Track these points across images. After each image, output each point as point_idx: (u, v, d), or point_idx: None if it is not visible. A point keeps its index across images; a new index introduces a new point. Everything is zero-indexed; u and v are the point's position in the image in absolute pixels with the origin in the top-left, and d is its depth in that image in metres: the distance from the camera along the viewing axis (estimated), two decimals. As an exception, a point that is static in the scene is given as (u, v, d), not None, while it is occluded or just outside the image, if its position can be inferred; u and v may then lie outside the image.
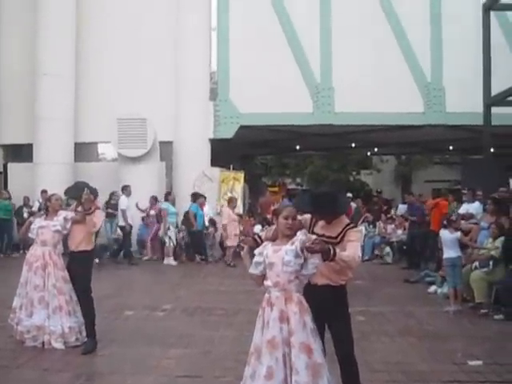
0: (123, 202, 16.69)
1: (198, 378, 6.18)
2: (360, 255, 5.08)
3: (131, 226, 16.92)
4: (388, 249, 17.23)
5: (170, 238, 16.63)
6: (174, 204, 17.12)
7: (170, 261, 16.34)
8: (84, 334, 7.62)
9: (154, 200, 17.51)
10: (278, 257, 4.88)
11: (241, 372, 5.36)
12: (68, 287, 7.71)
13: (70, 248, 7.83)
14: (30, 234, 7.98)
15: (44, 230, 7.81)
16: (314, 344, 4.80)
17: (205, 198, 17.66)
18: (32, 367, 6.65)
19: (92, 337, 7.47)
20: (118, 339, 7.87)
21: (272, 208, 14.03)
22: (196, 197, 17.39)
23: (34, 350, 7.31)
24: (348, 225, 5.22)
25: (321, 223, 5.25)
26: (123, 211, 16.59)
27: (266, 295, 4.93)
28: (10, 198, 18.27)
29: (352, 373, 5.11)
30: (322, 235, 5.10)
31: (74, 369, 6.62)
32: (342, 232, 5.14)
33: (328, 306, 5.12)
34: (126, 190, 16.85)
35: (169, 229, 16.70)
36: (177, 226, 17.28)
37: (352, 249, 4.99)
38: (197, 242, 17.11)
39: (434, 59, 19.38)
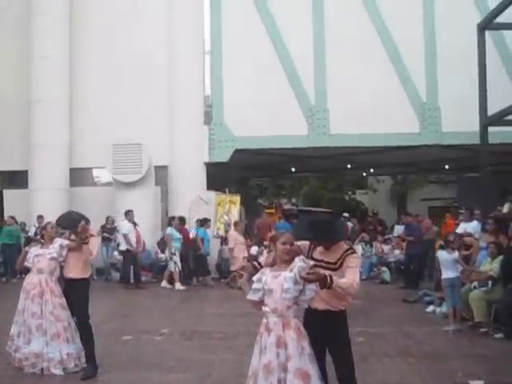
0: (125, 226, 16.63)
1: (198, 403, 6.15)
2: (358, 282, 5.07)
3: (136, 251, 16.80)
4: (385, 268, 17.19)
5: (175, 263, 16.54)
6: (178, 229, 17.10)
7: (178, 286, 16.21)
8: (83, 359, 7.59)
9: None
10: (277, 283, 4.90)
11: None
12: (66, 314, 7.69)
13: (67, 276, 7.82)
14: (26, 263, 7.98)
15: (40, 257, 7.81)
16: (312, 370, 4.82)
17: (203, 221, 17.77)
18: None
19: (92, 362, 7.43)
20: (117, 364, 7.83)
21: (269, 232, 14.02)
22: (204, 222, 17.65)
23: (33, 376, 7.27)
24: (347, 250, 5.23)
25: (319, 249, 5.27)
26: (125, 235, 16.52)
27: (264, 320, 4.96)
28: (16, 223, 18.32)
29: None
30: (321, 261, 5.13)
31: (73, 395, 6.58)
32: (340, 258, 5.15)
33: (328, 331, 5.12)
34: (128, 214, 16.77)
35: (174, 254, 16.60)
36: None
37: (351, 275, 5.00)
38: (202, 266, 17.17)
39: (429, 79, 19.48)
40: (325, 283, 4.73)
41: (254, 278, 5.08)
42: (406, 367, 7.65)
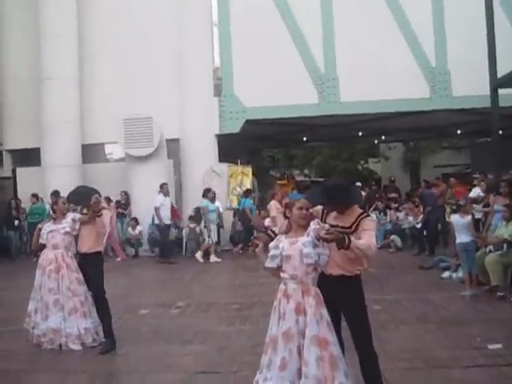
0: (158, 199, 16.42)
1: (216, 374, 6.13)
2: (375, 244, 4.99)
3: (167, 225, 16.76)
4: (394, 236, 17.09)
5: (209, 235, 16.54)
6: (213, 201, 17.07)
7: (213, 258, 16.13)
8: (101, 334, 7.61)
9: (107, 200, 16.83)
10: (295, 249, 4.86)
11: (258, 365, 5.32)
12: (82, 289, 7.69)
13: (81, 250, 7.81)
14: (40, 240, 7.96)
15: (54, 233, 7.80)
16: (331, 337, 4.80)
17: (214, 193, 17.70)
18: (50, 370, 6.63)
19: (110, 337, 7.43)
20: (134, 338, 7.83)
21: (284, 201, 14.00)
22: (248, 193, 18.17)
23: (52, 352, 7.29)
24: (361, 214, 5.12)
25: (333, 214, 5.16)
26: (156, 209, 16.34)
27: (282, 286, 4.92)
28: (38, 200, 18.27)
29: (371, 363, 5.02)
30: (336, 226, 5.02)
31: (91, 369, 6.60)
32: (355, 222, 5.04)
33: (343, 297, 5.03)
34: (163, 188, 16.64)
35: (205, 227, 16.63)
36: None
37: (367, 237, 4.90)
38: (250, 236, 17.09)
39: (438, 43, 19.22)
40: (343, 243, 4.66)
41: (271, 246, 5.03)
42: (425, 333, 7.60)
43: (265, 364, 4.91)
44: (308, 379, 4.66)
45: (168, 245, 16.74)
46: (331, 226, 5.01)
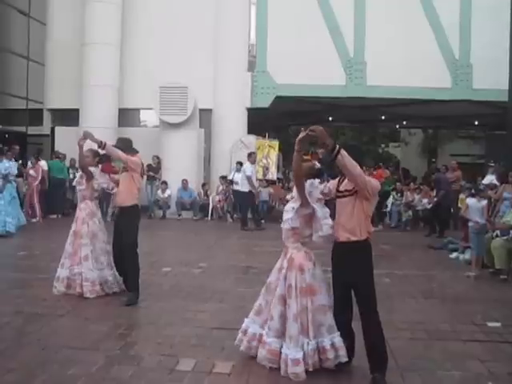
0: (249, 168, 16.19)
1: (232, 330, 6.17)
2: (366, 179, 4.84)
3: (256, 193, 16.72)
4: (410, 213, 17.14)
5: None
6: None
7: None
8: (122, 285, 7.78)
9: (36, 159, 16.69)
10: (285, 212, 5.21)
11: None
12: (106, 239, 7.85)
13: (117, 204, 7.87)
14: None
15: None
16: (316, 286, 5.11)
17: (241, 163, 17.71)
18: (74, 316, 6.71)
19: (135, 290, 7.44)
20: (156, 293, 7.91)
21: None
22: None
23: (77, 300, 7.38)
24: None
25: (345, 181, 5.03)
26: (249, 178, 16.05)
27: None
28: (58, 158, 18.17)
29: (375, 330, 4.96)
30: (343, 191, 5.01)
31: (113, 319, 6.66)
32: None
33: (351, 262, 4.96)
34: (250, 157, 16.50)
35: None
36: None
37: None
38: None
39: (463, 37, 19.30)
40: (332, 146, 4.58)
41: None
42: (429, 307, 7.60)
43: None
44: (270, 331, 5.13)
45: (258, 211, 16.64)
46: (340, 192, 5.04)
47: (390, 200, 17.42)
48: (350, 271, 4.97)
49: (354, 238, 4.94)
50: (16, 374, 4.89)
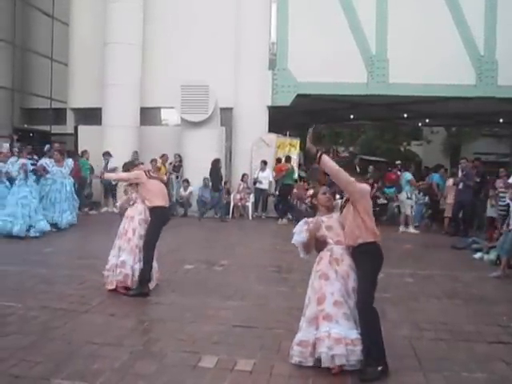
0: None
1: (253, 328, 6.21)
2: (350, 181, 5.09)
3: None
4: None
5: (411, 206, 16.36)
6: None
7: (410, 229, 16.02)
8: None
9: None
10: (334, 221, 5.40)
11: (292, 325, 5.44)
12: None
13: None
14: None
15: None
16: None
17: (265, 162, 17.81)
18: (99, 312, 6.78)
19: (142, 283, 7.65)
20: (178, 290, 7.96)
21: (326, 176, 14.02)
22: (438, 168, 18.33)
23: (101, 296, 7.46)
24: None
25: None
26: None
27: (327, 252, 5.32)
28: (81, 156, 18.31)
29: (367, 322, 5.02)
30: (345, 201, 5.34)
31: (137, 315, 6.73)
32: None
33: (355, 260, 5.19)
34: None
35: (409, 198, 16.37)
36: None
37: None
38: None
39: (488, 33, 18.85)
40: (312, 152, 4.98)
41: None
42: (452, 308, 7.56)
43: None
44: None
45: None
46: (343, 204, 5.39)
47: (413, 200, 17.27)
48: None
49: (359, 241, 5.12)
50: (43, 366, 4.98)
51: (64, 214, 13.81)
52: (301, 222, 5.43)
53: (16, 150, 15.22)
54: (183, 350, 5.51)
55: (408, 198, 16.31)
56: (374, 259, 5.17)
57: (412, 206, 16.46)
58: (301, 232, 5.38)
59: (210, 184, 17.57)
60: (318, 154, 4.89)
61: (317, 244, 5.35)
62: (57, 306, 6.92)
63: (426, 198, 17.48)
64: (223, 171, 18.65)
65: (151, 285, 7.79)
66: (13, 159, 13.76)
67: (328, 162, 4.95)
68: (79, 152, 18.30)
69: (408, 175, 16.66)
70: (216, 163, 17.58)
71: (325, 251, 5.27)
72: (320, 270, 5.23)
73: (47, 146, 15.53)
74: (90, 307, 6.94)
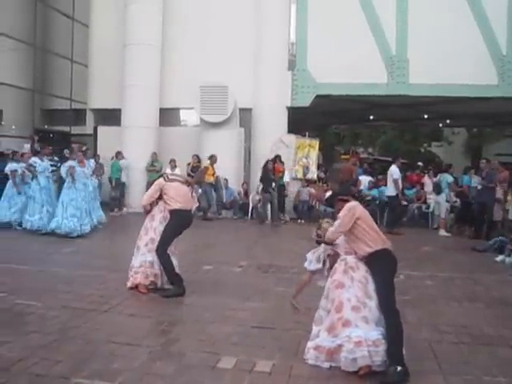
0: (396, 171, 15.96)
1: (271, 330, 6.22)
2: (334, 230, 5.35)
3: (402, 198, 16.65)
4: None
5: (447, 209, 16.21)
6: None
7: (443, 232, 15.85)
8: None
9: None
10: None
11: (310, 326, 5.43)
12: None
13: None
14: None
15: None
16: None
17: (283, 162, 17.79)
18: (118, 312, 6.82)
19: (173, 285, 7.75)
20: (198, 291, 7.98)
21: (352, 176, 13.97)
22: (468, 169, 18.09)
23: (120, 296, 7.50)
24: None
25: None
26: (396, 181, 15.91)
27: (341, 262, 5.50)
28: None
29: (390, 324, 5.04)
30: None
31: (157, 315, 6.77)
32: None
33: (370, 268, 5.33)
34: (398, 160, 16.51)
35: (448, 201, 16.28)
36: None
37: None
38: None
39: (510, 32, 18.61)
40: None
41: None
42: (473, 311, 7.50)
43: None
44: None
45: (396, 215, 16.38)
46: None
47: (432, 201, 17.16)
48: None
49: (369, 251, 5.28)
50: (63, 365, 5.03)
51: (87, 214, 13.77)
52: (311, 252, 5.78)
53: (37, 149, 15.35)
54: (202, 351, 5.53)
55: (447, 200, 16.16)
56: (387, 263, 5.28)
57: (447, 209, 16.27)
58: (311, 262, 5.74)
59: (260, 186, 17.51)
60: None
61: (330, 260, 5.59)
62: (77, 306, 6.98)
63: (458, 200, 17.26)
64: (242, 172, 18.68)
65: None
66: (35, 159, 13.84)
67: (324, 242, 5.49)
68: (115, 153, 18.39)
69: (449, 177, 16.43)
70: (266, 165, 17.28)
71: (339, 261, 5.41)
72: (336, 280, 5.32)
73: (66, 151, 15.59)
74: (110, 307, 6.99)
